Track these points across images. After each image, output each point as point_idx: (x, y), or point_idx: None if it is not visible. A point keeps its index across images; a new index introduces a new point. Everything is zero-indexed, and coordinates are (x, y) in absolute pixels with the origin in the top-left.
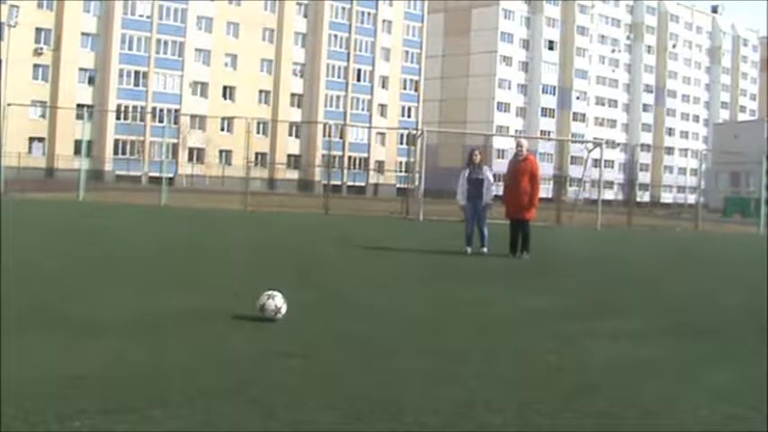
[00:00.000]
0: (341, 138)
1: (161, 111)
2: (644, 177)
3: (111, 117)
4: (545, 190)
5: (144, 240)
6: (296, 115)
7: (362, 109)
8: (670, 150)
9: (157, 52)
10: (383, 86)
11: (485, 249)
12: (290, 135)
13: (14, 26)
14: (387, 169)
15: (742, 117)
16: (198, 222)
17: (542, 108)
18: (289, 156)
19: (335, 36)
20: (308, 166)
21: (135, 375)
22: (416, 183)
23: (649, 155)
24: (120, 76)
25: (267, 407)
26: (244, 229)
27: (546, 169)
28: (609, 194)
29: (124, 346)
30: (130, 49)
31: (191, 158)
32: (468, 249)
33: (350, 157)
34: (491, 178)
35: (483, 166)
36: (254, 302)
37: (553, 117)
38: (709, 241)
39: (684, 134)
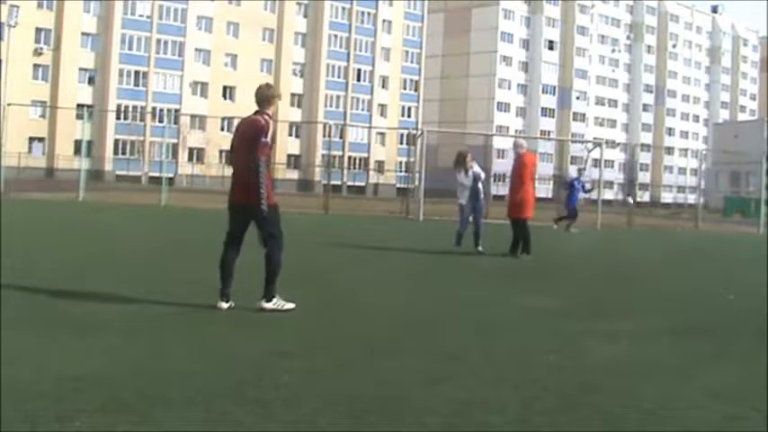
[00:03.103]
0: (341, 138)
1: (161, 111)
2: (644, 177)
3: (111, 117)
4: (545, 190)
5: (145, 240)
6: (296, 115)
7: (362, 109)
8: (670, 150)
9: (157, 52)
10: (383, 86)
11: (480, 248)
12: (290, 135)
13: (14, 26)
14: (387, 169)
15: (742, 117)
16: (197, 222)
17: (542, 108)
18: (289, 156)
19: (335, 36)
20: (308, 166)
21: (135, 374)
22: (416, 183)
23: (649, 155)
24: (120, 76)
25: (267, 406)
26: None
27: (546, 169)
28: (609, 194)
29: (124, 345)
30: (130, 49)
31: (191, 158)
32: (458, 248)
33: (350, 157)
34: (482, 174)
35: (473, 165)
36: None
37: (553, 117)
38: (710, 241)
39: (684, 134)
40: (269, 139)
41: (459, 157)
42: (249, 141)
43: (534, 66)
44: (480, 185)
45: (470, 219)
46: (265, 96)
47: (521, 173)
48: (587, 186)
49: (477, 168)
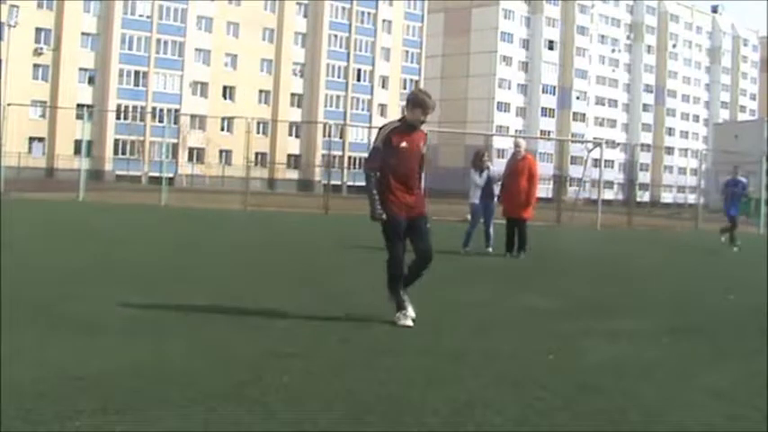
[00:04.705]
0: (341, 138)
1: (161, 111)
2: (644, 177)
3: (111, 117)
4: (545, 190)
5: (145, 240)
6: (296, 115)
7: (362, 109)
8: (670, 150)
9: (157, 52)
10: (383, 86)
11: (490, 249)
12: (290, 135)
13: (14, 26)
14: None
15: (742, 117)
16: (199, 222)
17: (542, 108)
18: (289, 156)
19: (335, 36)
20: (308, 166)
21: (135, 375)
22: None
23: (649, 155)
24: (120, 76)
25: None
26: (244, 229)
27: (546, 169)
28: (609, 194)
29: (124, 346)
30: (130, 49)
31: (191, 158)
32: (464, 250)
33: (350, 157)
34: (496, 176)
35: (490, 166)
36: (251, 303)
37: (553, 117)
38: (709, 241)
39: (684, 134)
40: (379, 144)
41: (476, 157)
42: None
43: (534, 66)
44: (495, 186)
45: (480, 219)
46: (413, 100)
47: (531, 174)
48: (746, 185)
49: (494, 169)
